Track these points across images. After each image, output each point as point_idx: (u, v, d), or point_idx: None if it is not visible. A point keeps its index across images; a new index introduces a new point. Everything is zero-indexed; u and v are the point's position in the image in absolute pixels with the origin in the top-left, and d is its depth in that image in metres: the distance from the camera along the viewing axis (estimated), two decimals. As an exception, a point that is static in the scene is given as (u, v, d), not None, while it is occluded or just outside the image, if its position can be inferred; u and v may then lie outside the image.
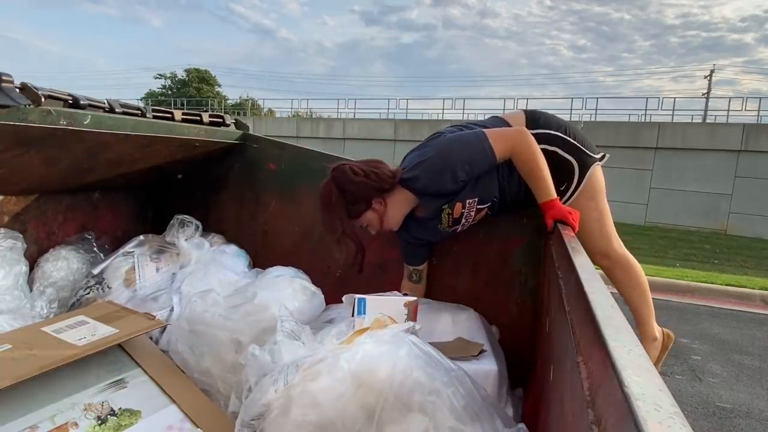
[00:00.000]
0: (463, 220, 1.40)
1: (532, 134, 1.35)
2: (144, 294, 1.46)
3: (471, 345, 1.30)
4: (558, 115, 1.49)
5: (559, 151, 1.40)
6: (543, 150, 1.35)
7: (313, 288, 1.36)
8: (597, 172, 1.43)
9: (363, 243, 1.43)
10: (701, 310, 4.53)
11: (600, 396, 0.43)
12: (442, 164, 1.30)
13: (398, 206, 1.38)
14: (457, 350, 1.25)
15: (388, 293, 1.35)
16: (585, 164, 1.41)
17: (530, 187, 1.33)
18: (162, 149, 1.58)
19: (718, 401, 2.72)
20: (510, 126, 1.42)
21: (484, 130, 1.34)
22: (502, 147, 1.30)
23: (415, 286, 1.57)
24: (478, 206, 1.39)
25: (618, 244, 1.49)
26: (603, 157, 1.46)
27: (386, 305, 1.23)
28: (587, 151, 1.42)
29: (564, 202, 1.39)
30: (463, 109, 16.20)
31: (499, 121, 1.45)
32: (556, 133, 1.41)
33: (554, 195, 1.30)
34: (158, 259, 1.58)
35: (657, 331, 1.54)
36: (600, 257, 1.46)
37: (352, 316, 1.21)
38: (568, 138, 1.41)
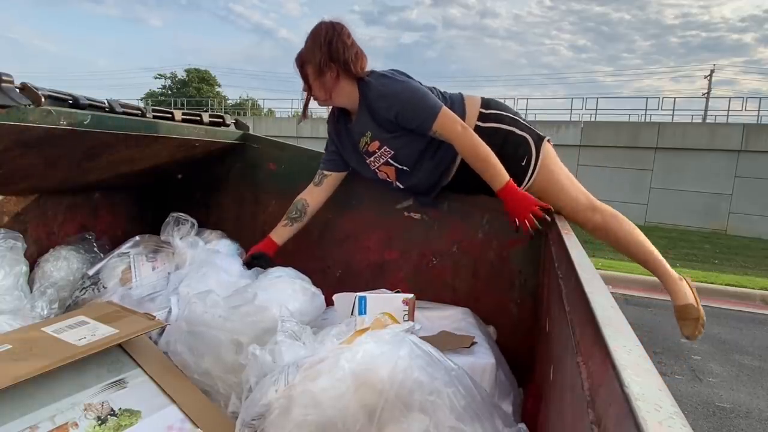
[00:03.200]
0: (373, 159, 1.51)
1: (487, 114, 1.47)
2: (140, 294, 1.46)
3: (459, 338, 1.30)
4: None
5: (514, 129, 1.48)
6: (498, 129, 1.46)
7: (314, 289, 1.36)
8: (549, 145, 1.52)
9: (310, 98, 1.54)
10: (701, 310, 4.52)
11: (600, 396, 0.43)
12: (390, 91, 1.40)
13: (344, 94, 1.46)
14: (443, 344, 1.25)
15: (383, 290, 1.35)
16: (537, 138, 1.49)
17: (483, 177, 1.38)
18: (162, 149, 1.58)
19: (718, 401, 2.73)
20: (465, 106, 1.49)
21: (443, 105, 1.40)
22: (444, 123, 1.37)
23: (315, 188, 1.63)
24: (390, 159, 1.48)
25: (595, 199, 1.52)
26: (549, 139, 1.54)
27: (386, 303, 1.23)
28: (536, 130, 1.51)
29: (531, 174, 1.47)
30: (463, 109, 16.17)
31: (460, 97, 1.52)
32: (508, 114, 1.50)
33: (507, 177, 1.35)
34: (154, 259, 1.58)
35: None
36: (589, 213, 1.48)
37: (352, 314, 1.21)
38: (518, 119, 1.51)
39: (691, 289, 1.46)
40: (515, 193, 1.34)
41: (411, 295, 1.26)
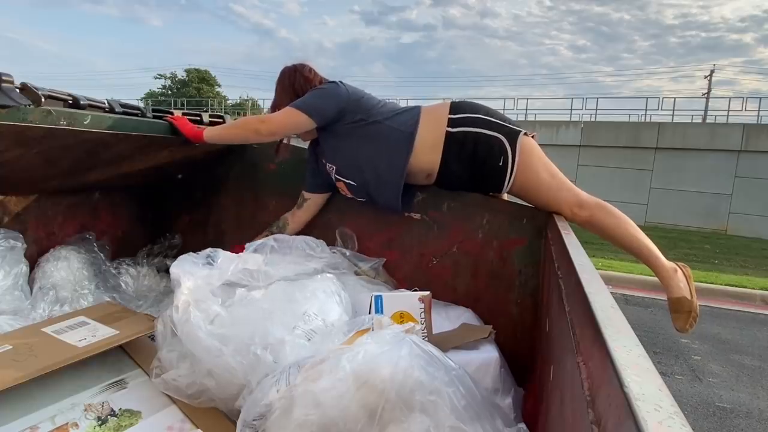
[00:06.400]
0: (332, 176, 1.60)
1: (455, 119, 1.45)
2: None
3: (479, 329, 1.31)
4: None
5: (484, 131, 1.44)
6: (467, 133, 1.44)
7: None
8: (527, 139, 1.46)
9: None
10: (701, 310, 4.50)
11: (600, 396, 0.43)
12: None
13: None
14: (466, 335, 1.26)
15: (401, 290, 1.35)
16: (511, 135, 1.44)
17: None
18: (162, 149, 1.58)
19: (718, 401, 2.73)
20: (429, 116, 1.49)
21: (295, 108, 1.47)
22: (280, 113, 1.51)
23: (297, 210, 1.71)
24: (336, 175, 1.58)
25: (583, 192, 1.47)
26: (526, 133, 1.49)
27: (402, 301, 1.23)
28: (510, 126, 1.47)
29: (511, 173, 1.44)
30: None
31: (414, 111, 1.51)
32: (477, 115, 1.47)
33: (206, 135, 1.51)
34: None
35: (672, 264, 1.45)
36: (576, 209, 1.42)
37: (369, 313, 1.20)
38: (489, 118, 1.46)
39: (687, 280, 1.42)
40: (197, 131, 1.51)
41: (427, 293, 1.25)
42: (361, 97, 1.53)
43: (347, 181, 1.57)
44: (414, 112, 1.50)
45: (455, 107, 1.49)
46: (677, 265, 1.44)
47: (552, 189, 1.44)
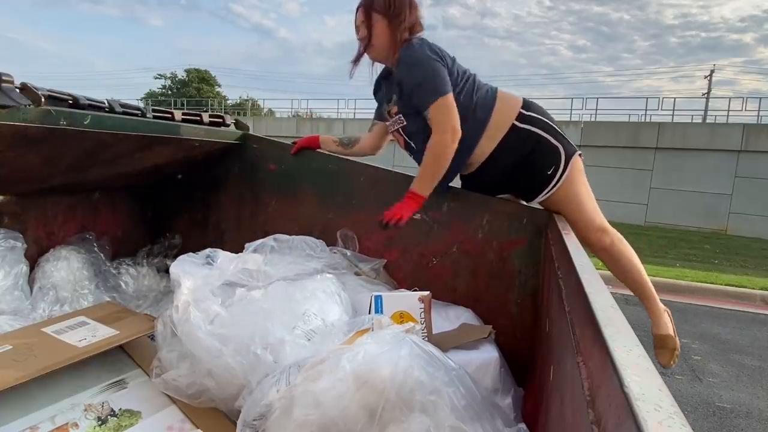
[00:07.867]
0: (390, 123, 1.57)
1: (526, 115, 1.46)
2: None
3: (479, 328, 1.31)
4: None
5: (549, 137, 1.46)
6: (532, 133, 1.45)
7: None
8: (579, 160, 1.50)
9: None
10: (701, 310, 4.53)
11: (600, 396, 0.44)
12: (406, 61, 1.41)
13: (381, 48, 1.49)
14: (466, 335, 1.27)
15: (401, 290, 1.35)
16: (570, 150, 1.47)
17: (419, 171, 1.45)
18: (162, 149, 1.58)
19: (718, 401, 2.73)
20: (495, 100, 1.46)
21: (447, 96, 1.37)
22: (438, 110, 1.37)
23: (368, 134, 1.74)
24: (401, 129, 1.54)
25: (606, 221, 1.52)
26: (580, 154, 1.53)
27: (402, 301, 1.23)
28: (570, 142, 1.50)
29: (555, 185, 1.45)
30: (463, 109, 16.15)
31: (492, 91, 1.50)
32: (546, 120, 1.49)
33: (424, 192, 1.41)
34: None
35: None
36: (600, 233, 1.47)
37: (369, 313, 1.20)
38: (556, 127, 1.49)
39: (671, 321, 1.57)
40: (410, 200, 1.40)
41: (427, 293, 1.26)
42: (449, 67, 1.45)
43: (411, 142, 1.53)
44: (491, 96, 1.48)
45: (528, 104, 1.50)
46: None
47: (588, 211, 1.48)
